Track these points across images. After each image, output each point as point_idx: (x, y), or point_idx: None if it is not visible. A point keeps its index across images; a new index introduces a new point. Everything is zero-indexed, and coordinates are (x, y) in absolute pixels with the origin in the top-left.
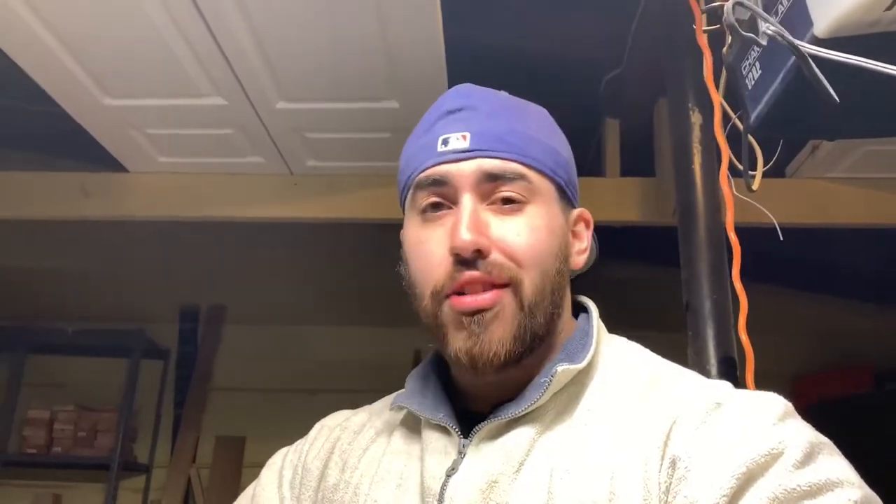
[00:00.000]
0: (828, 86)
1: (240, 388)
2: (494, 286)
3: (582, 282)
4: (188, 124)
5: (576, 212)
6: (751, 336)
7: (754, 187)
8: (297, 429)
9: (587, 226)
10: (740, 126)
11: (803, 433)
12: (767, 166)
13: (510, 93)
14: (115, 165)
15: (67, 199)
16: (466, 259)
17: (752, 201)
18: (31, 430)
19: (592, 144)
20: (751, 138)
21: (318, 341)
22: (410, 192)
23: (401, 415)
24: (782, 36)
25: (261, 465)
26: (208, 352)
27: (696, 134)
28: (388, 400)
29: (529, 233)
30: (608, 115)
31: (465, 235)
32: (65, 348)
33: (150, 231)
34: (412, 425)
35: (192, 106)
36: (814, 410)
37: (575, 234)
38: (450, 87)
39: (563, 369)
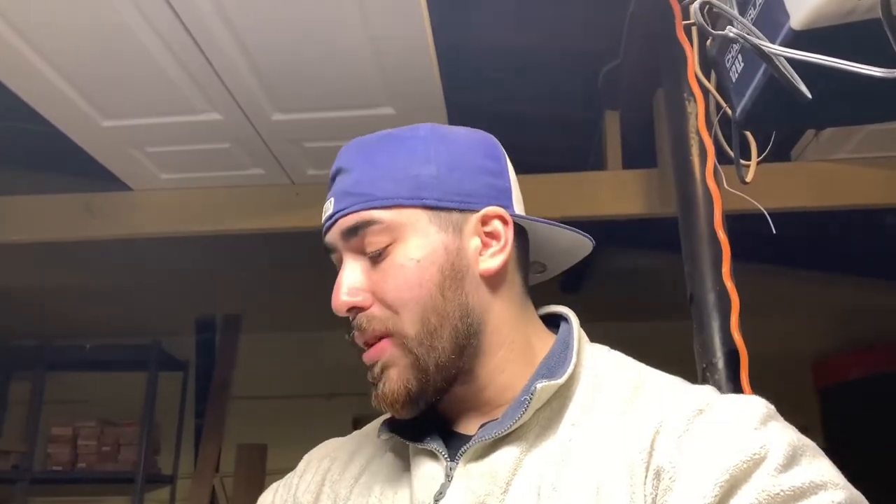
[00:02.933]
0: (798, 83)
1: (259, 396)
2: (377, 338)
3: (592, 272)
4: (187, 141)
5: (475, 216)
6: (769, 319)
7: (748, 179)
8: (316, 433)
9: (503, 221)
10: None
11: (785, 436)
12: (761, 157)
13: (508, 90)
14: (121, 183)
15: (74, 219)
16: (349, 319)
17: (741, 194)
18: (56, 447)
19: (595, 137)
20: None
21: (334, 346)
22: None
23: (389, 441)
24: (744, 38)
25: (283, 472)
26: (226, 361)
27: (693, 124)
28: (376, 424)
29: (395, 275)
30: (608, 107)
31: (337, 299)
32: (84, 364)
33: (162, 245)
34: (400, 451)
35: (188, 122)
36: (835, 391)
37: (488, 235)
38: (445, 89)
39: (542, 386)
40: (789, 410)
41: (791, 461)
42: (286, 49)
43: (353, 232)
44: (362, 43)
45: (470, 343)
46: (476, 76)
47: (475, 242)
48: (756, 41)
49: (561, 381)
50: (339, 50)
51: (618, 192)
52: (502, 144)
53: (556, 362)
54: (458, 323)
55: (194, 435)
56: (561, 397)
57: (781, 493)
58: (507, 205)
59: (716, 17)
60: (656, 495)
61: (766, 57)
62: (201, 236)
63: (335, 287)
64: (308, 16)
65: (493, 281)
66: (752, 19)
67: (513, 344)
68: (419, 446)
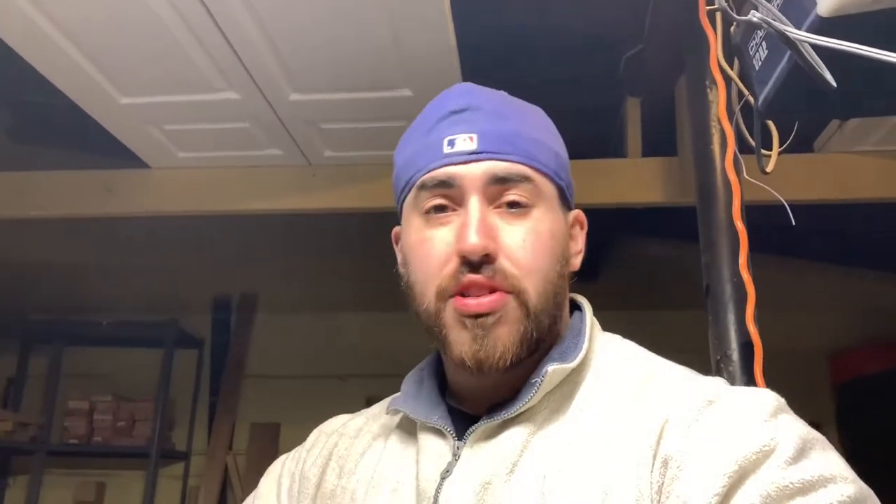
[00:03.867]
0: (823, 71)
1: (273, 376)
2: (498, 290)
3: (611, 260)
4: (204, 119)
5: (572, 214)
6: (786, 312)
7: (768, 169)
8: (329, 413)
9: (582, 227)
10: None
11: (795, 429)
12: (783, 147)
13: (528, 75)
14: (139, 161)
15: (92, 196)
16: (473, 262)
17: (761, 184)
18: (72, 420)
19: (616, 124)
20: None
21: (349, 328)
22: (412, 192)
23: (397, 418)
24: (769, 23)
25: (308, 436)
26: (241, 340)
27: (715, 113)
28: (384, 403)
29: (535, 239)
30: (629, 94)
31: (474, 239)
32: (101, 340)
33: (180, 223)
34: (408, 428)
35: (206, 101)
36: (852, 386)
37: (572, 237)
38: (463, 72)
39: (553, 369)
40: (805, 405)
41: (800, 454)
42: (304, 29)
43: (504, 180)
44: (381, 24)
45: (555, 323)
46: (495, 59)
47: (568, 239)
48: (781, 26)
49: (572, 364)
50: (358, 31)
51: (637, 181)
52: None
53: (567, 347)
54: (561, 303)
55: (208, 412)
56: (571, 382)
57: (790, 486)
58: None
59: (740, 3)
60: (663, 483)
61: (790, 43)
62: (218, 216)
63: (466, 224)
64: None
65: (570, 277)
66: (778, 5)
67: (560, 336)
68: (427, 424)
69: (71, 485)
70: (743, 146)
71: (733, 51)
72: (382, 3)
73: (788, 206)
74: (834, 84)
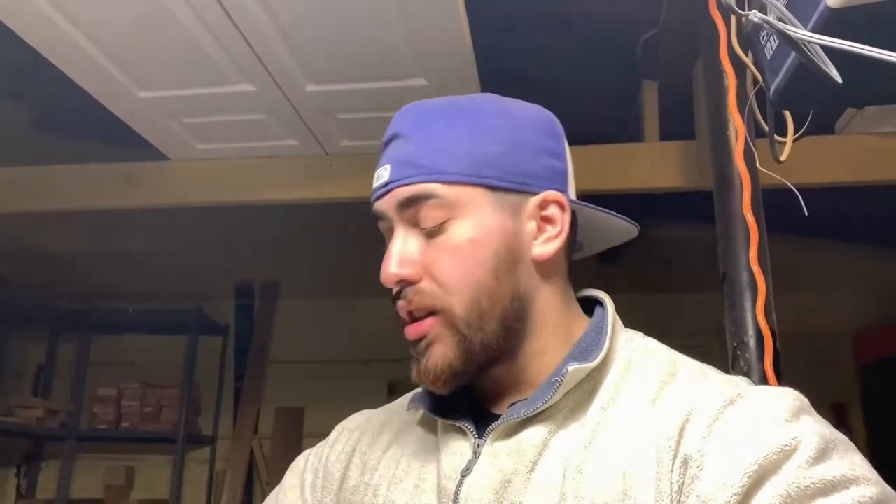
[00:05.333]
0: (828, 68)
1: (296, 361)
2: (426, 313)
3: (631, 242)
4: (221, 112)
5: (535, 198)
6: (811, 293)
7: (782, 157)
8: (352, 397)
9: (561, 207)
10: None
11: (817, 429)
12: (798, 135)
13: (544, 61)
14: (159, 152)
15: (113, 188)
16: (397, 291)
17: (772, 174)
18: (101, 407)
19: (633, 108)
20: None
21: (370, 312)
22: None
23: (419, 414)
24: (770, 23)
25: (319, 435)
26: (264, 326)
27: (731, 97)
28: (406, 399)
29: (451, 254)
30: (646, 78)
31: (387, 270)
32: (127, 328)
33: (203, 213)
34: (430, 425)
35: (223, 94)
36: (876, 367)
37: (544, 220)
38: (479, 60)
39: (573, 369)
40: (829, 385)
41: (822, 455)
42: (317, 20)
43: (410, 203)
44: (393, 13)
45: (516, 326)
46: (511, 44)
47: (531, 226)
48: (782, 26)
49: (593, 364)
50: (370, 21)
51: (654, 165)
52: None
53: (589, 346)
54: (507, 306)
55: (233, 398)
56: (592, 381)
57: (811, 486)
58: (564, 188)
59: (729, 7)
60: (683, 483)
61: (792, 42)
62: (239, 205)
63: (385, 257)
64: None
65: (545, 266)
66: None
67: (556, 328)
68: (449, 422)
69: (101, 469)
70: (760, 132)
71: (744, 41)
72: None
73: (811, 189)
74: (839, 80)
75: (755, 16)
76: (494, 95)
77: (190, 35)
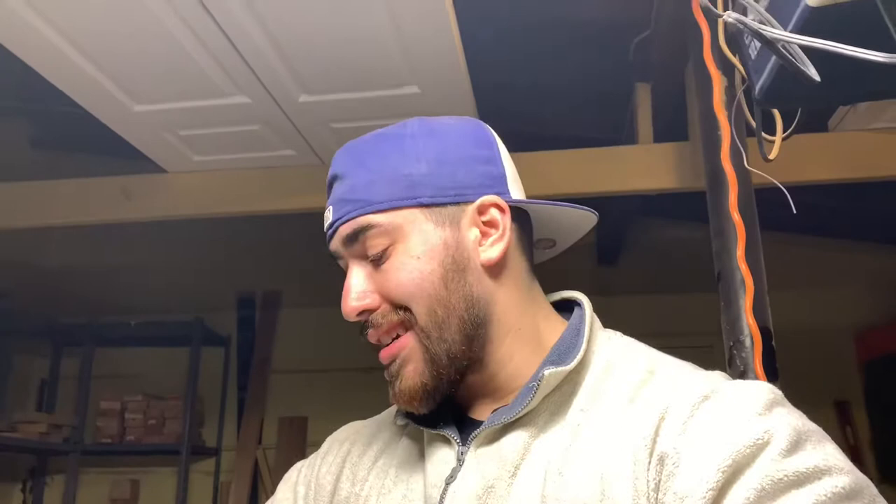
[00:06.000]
0: (806, 67)
1: (299, 370)
2: (396, 334)
3: (630, 244)
4: (217, 123)
5: (472, 207)
6: (812, 290)
7: (771, 156)
8: (354, 405)
9: (500, 209)
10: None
11: (790, 421)
12: (787, 134)
13: (536, 63)
14: (156, 166)
15: (110, 203)
16: (361, 322)
17: (761, 173)
18: (105, 420)
19: (628, 110)
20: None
21: None
22: None
23: (405, 425)
24: (744, 23)
25: (323, 444)
26: (266, 336)
27: (721, 99)
28: (393, 409)
29: (398, 273)
30: (639, 80)
31: (347, 306)
32: (129, 341)
33: (202, 225)
34: (416, 435)
35: (217, 106)
36: (879, 364)
37: (487, 224)
38: (471, 66)
39: (549, 372)
40: (832, 382)
41: (795, 446)
42: (308, 31)
43: (354, 238)
44: (383, 22)
45: (478, 333)
46: (503, 49)
47: (474, 233)
48: (756, 26)
49: (569, 367)
50: (361, 30)
51: (648, 167)
52: (531, 118)
53: (566, 348)
54: (464, 314)
55: (237, 408)
56: (571, 382)
57: (785, 479)
58: (503, 191)
59: (706, 8)
60: (660, 480)
61: (767, 42)
62: (238, 216)
63: (343, 294)
64: None
65: (495, 269)
66: None
67: (520, 331)
68: (433, 432)
69: (106, 482)
70: (752, 131)
71: (729, 41)
72: (383, 1)
73: (808, 186)
74: (818, 79)
75: (729, 16)
76: (422, 118)
77: (183, 49)
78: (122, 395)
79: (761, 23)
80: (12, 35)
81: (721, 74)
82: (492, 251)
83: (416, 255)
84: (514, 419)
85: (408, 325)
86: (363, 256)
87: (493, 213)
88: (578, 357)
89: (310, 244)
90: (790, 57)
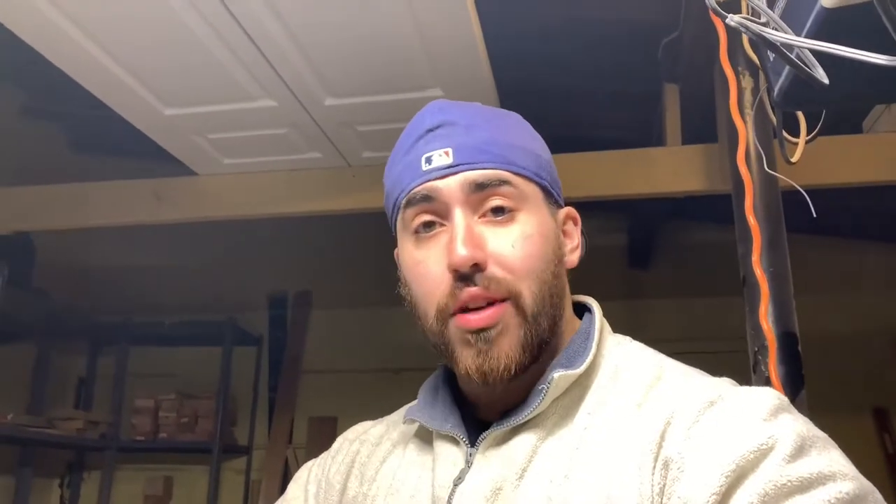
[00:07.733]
0: (814, 69)
1: (329, 370)
2: (496, 301)
3: (662, 247)
4: (245, 127)
5: (563, 211)
6: (850, 294)
7: (793, 159)
8: (384, 406)
9: (575, 223)
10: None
11: (795, 427)
12: (812, 135)
13: (563, 64)
14: (188, 168)
15: (143, 205)
16: (465, 274)
17: (781, 176)
18: (139, 418)
19: (656, 112)
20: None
21: (401, 322)
22: (400, 213)
23: (415, 426)
24: (746, 27)
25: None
26: (297, 336)
27: (748, 99)
28: (403, 411)
29: (523, 242)
30: (667, 81)
31: (461, 251)
32: (164, 340)
33: (235, 225)
34: (425, 436)
35: (245, 109)
36: None
37: (565, 233)
38: (497, 68)
39: (559, 375)
40: (870, 389)
41: (799, 452)
42: (333, 36)
43: (482, 187)
44: (406, 25)
45: (556, 324)
46: (528, 51)
47: (561, 237)
48: (759, 29)
49: (579, 371)
50: (384, 34)
51: (676, 169)
52: (557, 119)
53: (575, 352)
54: (557, 303)
55: (268, 407)
56: (580, 386)
57: (788, 484)
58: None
59: (715, 10)
60: (664, 485)
61: (772, 46)
62: (267, 218)
63: (453, 238)
64: (353, 1)
65: (568, 275)
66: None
67: (564, 335)
68: (442, 432)
69: (140, 479)
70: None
71: (753, 43)
72: (407, 4)
73: (839, 188)
74: (826, 81)
75: (732, 20)
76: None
77: (211, 55)
78: (156, 394)
79: (765, 25)
80: (49, 43)
81: (747, 76)
82: (572, 257)
83: (539, 231)
84: (523, 422)
85: (514, 294)
86: (475, 210)
87: (571, 226)
88: (587, 361)
89: (342, 245)
90: (796, 60)
